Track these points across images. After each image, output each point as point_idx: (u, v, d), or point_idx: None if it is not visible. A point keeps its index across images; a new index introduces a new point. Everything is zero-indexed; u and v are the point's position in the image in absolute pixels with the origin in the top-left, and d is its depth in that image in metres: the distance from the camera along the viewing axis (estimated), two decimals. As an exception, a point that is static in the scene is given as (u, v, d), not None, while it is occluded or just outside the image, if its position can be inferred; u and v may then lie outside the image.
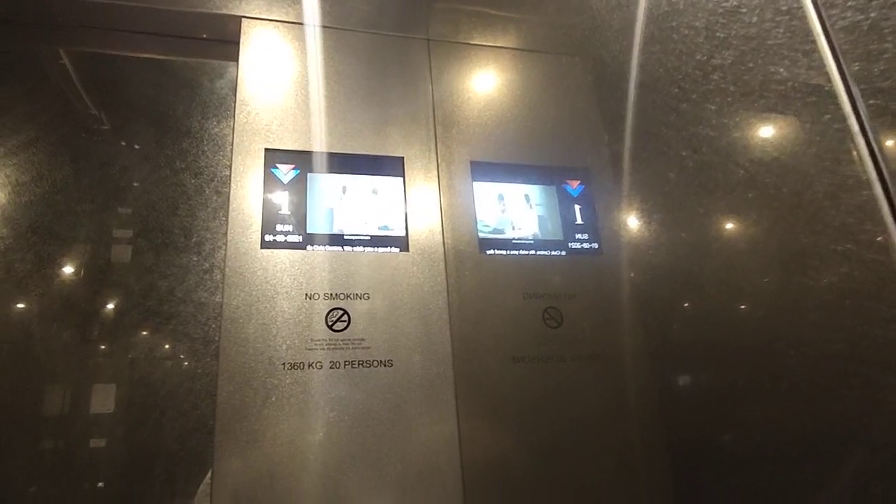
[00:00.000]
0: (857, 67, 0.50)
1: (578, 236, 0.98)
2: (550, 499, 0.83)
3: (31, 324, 0.82)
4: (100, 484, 0.79)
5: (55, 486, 0.78)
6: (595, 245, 0.98)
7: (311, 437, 0.77)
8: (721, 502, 0.79)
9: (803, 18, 0.55)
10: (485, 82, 1.06)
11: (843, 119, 0.50)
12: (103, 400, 0.83)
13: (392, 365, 0.83)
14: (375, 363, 0.82)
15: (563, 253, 0.96)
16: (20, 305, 0.83)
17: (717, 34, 0.68)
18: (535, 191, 0.99)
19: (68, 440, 0.80)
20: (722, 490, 0.79)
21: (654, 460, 0.87)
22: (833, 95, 0.51)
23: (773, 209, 0.61)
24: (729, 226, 0.71)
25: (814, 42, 0.54)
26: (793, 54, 0.57)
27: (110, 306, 0.86)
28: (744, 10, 0.64)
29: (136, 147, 0.97)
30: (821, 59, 0.53)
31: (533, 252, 0.95)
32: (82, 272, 0.87)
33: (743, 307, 0.70)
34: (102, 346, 0.84)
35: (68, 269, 0.87)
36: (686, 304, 0.84)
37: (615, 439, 0.87)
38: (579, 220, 0.99)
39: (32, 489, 0.78)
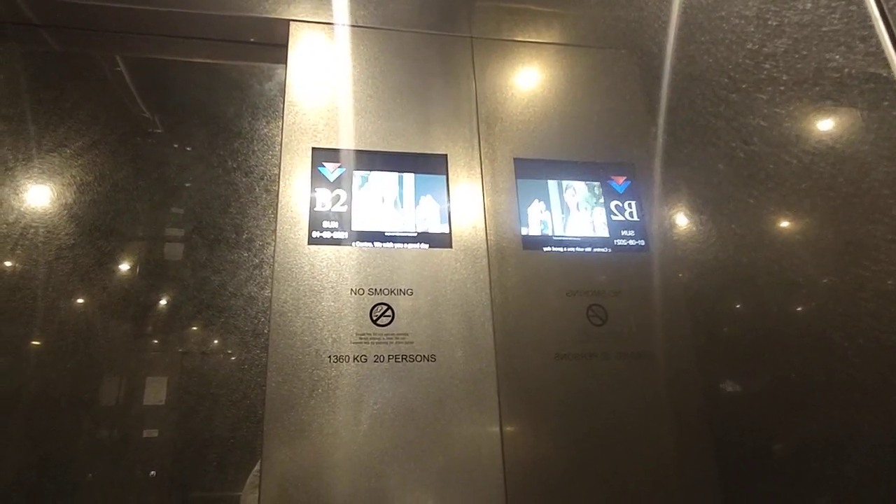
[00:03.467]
0: (917, 52, 0.48)
1: (624, 233, 0.97)
2: (592, 497, 0.82)
3: (94, 316, 0.87)
4: (152, 472, 0.83)
5: (113, 472, 0.82)
6: (641, 241, 0.97)
7: (355, 428, 0.78)
8: (772, 496, 0.77)
9: (860, 3, 0.53)
10: (528, 79, 1.06)
11: (903, 106, 0.49)
12: (156, 391, 0.86)
13: (435, 360, 0.84)
14: (418, 358, 0.83)
15: (609, 250, 0.95)
16: (84, 298, 0.87)
17: (770, 22, 0.66)
18: (579, 187, 0.98)
19: (126, 428, 0.84)
20: (771, 482, 0.77)
21: (701, 458, 0.85)
22: (892, 82, 0.50)
23: (829, 199, 0.59)
24: (781, 217, 0.69)
25: (871, 27, 0.52)
26: (849, 41, 0.55)
27: (166, 300, 0.90)
28: (797, -3, 0.62)
29: (190, 148, 1.00)
30: (878, 45, 0.51)
31: (577, 249, 0.94)
32: (140, 267, 0.91)
33: (796, 299, 0.68)
34: (160, 337, 0.88)
35: (127, 265, 0.91)
36: (736, 298, 0.82)
37: (660, 438, 0.86)
38: (625, 217, 0.98)
39: (90, 475, 0.82)
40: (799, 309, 0.69)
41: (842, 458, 0.62)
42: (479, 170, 0.96)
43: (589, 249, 0.95)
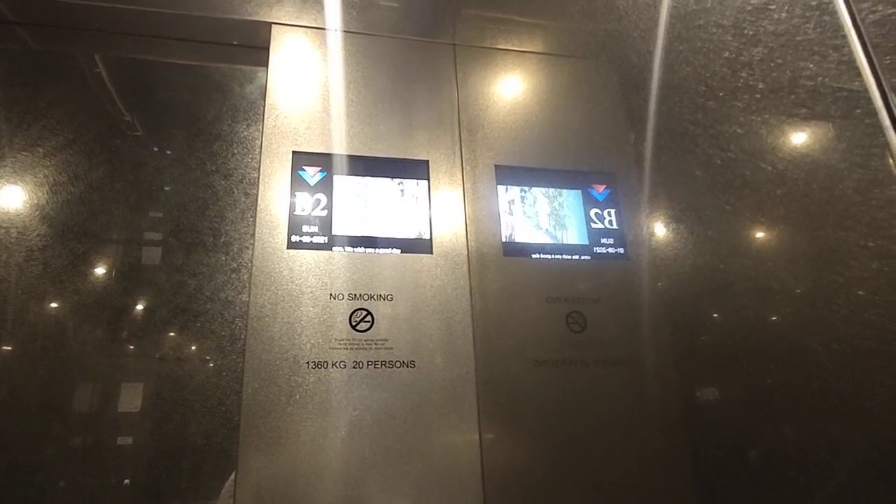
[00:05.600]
0: (888, 61, 0.49)
1: (604, 240, 0.97)
2: (568, 500, 0.82)
3: (65, 320, 0.85)
4: (126, 481, 0.81)
5: (85, 480, 0.80)
6: (621, 249, 0.97)
7: (333, 435, 0.77)
8: (749, 502, 0.77)
9: (833, 13, 0.55)
10: (510, 87, 1.06)
11: (875, 113, 0.50)
12: (132, 397, 0.84)
13: (414, 366, 0.83)
14: (398, 364, 0.83)
15: (588, 257, 0.96)
16: (55, 302, 0.85)
17: (746, 31, 0.68)
18: (559, 195, 0.99)
19: (100, 434, 0.82)
20: (748, 489, 0.77)
21: (678, 465, 0.86)
22: (864, 90, 0.51)
23: (803, 206, 0.60)
24: (757, 224, 0.70)
25: (844, 37, 0.53)
26: (823, 49, 0.56)
27: (141, 304, 0.88)
28: (773, 7, 0.64)
29: (168, 151, 0.99)
30: (851, 54, 0.52)
31: (557, 256, 0.95)
32: (114, 270, 0.89)
33: (772, 306, 0.69)
34: (133, 342, 0.86)
35: (101, 268, 0.89)
36: (713, 305, 0.83)
37: (638, 445, 0.86)
38: (605, 225, 0.98)
39: (61, 483, 0.79)
40: (775, 315, 0.69)
41: (818, 465, 0.63)
42: (460, 176, 0.96)
43: (569, 257, 0.95)
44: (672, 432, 0.87)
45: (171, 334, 0.87)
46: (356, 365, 0.81)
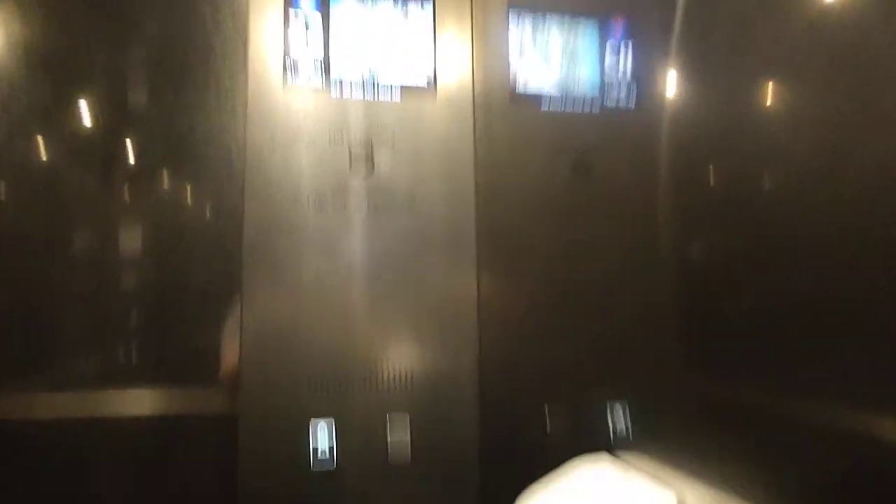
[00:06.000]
0: None
1: (618, 87, 0.92)
2: (561, 344, 0.86)
3: (53, 160, 0.82)
4: (131, 318, 0.83)
5: (85, 325, 0.81)
6: (635, 98, 0.92)
7: (334, 273, 0.79)
8: (735, 352, 0.80)
9: None
10: None
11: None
12: (129, 239, 0.84)
13: (415, 211, 0.82)
14: (398, 208, 0.82)
15: (599, 106, 0.91)
16: (43, 139, 0.82)
17: None
18: (574, 37, 0.91)
19: (97, 279, 0.82)
20: (741, 340, 0.79)
21: (671, 317, 0.88)
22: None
23: (838, 57, 0.54)
24: (784, 74, 0.65)
25: None
26: None
27: (130, 144, 0.85)
28: None
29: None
30: None
31: (567, 103, 0.90)
32: (100, 109, 0.85)
33: (788, 161, 0.66)
34: (126, 183, 0.84)
35: (87, 106, 0.85)
36: (726, 158, 0.79)
37: (639, 298, 0.88)
38: (620, 69, 0.92)
39: (63, 325, 0.80)
40: (789, 171, 0.66)
41: (826, 321, 0.63)
42: (469, 12, 0.88)
43: (579, 104, 0.90)
44: (670, 284, 0.89)
45: (166, 175, 0.85)
46: (357, 207, 0.80)
